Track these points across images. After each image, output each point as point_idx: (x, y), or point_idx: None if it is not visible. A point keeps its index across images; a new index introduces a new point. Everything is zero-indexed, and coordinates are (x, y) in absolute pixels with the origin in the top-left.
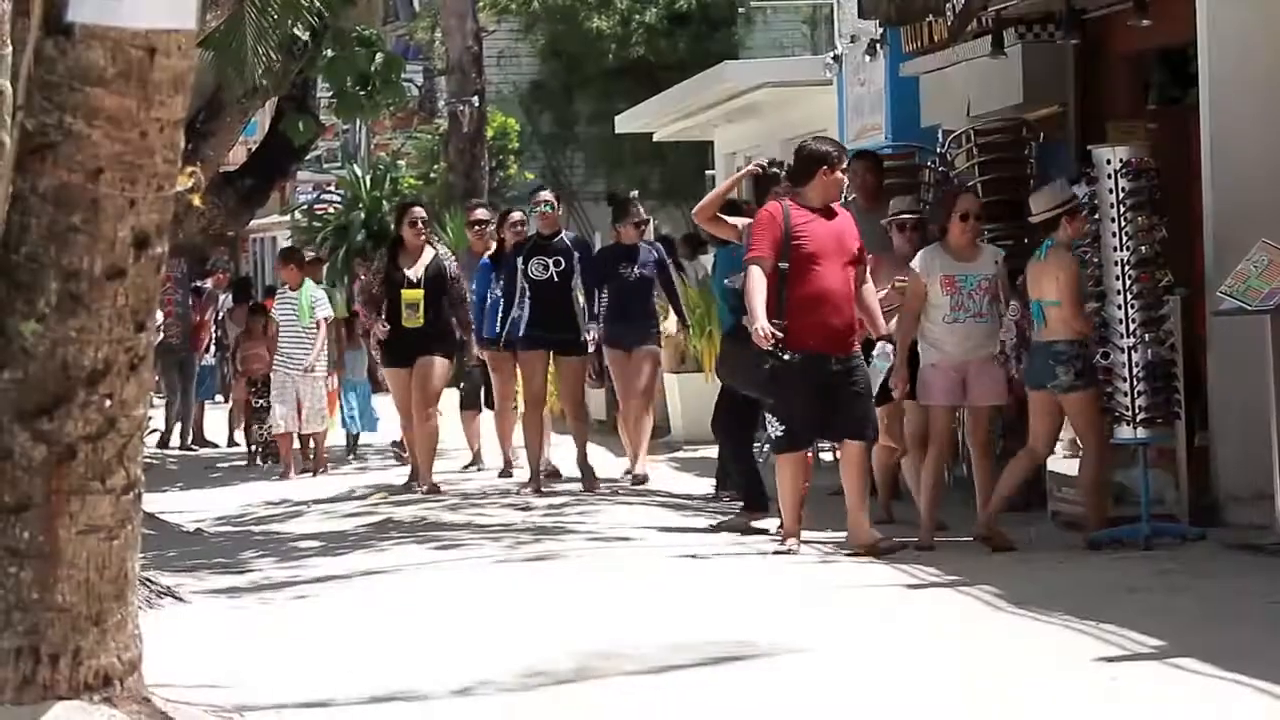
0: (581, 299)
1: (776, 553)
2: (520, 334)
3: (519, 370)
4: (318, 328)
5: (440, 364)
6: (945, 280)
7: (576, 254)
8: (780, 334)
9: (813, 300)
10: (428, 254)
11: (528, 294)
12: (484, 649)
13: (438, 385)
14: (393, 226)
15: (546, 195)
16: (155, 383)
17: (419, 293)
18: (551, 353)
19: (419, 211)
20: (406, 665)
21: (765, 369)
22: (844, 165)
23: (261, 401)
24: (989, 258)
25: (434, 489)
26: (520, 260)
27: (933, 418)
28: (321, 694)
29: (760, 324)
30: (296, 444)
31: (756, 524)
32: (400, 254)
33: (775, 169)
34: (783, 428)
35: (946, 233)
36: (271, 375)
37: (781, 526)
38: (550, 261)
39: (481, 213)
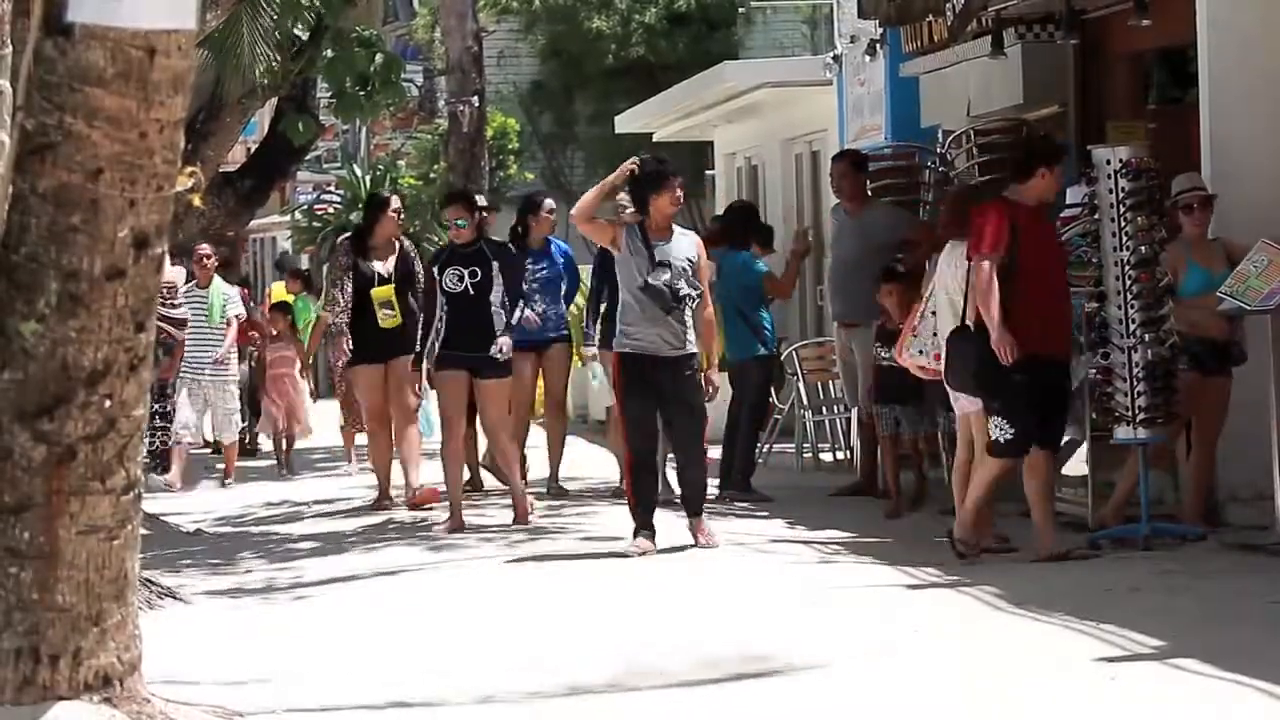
0: (503, 313)
1: (1035, 561)
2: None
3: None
4: (228, 327)
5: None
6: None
7: (496, 263)
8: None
9: (1042, 301)
10: (394, 247)
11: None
12: (482, 651)
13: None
14: (363, 219)
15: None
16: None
17: (390, 289)
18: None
19: (398, 203)
20: (407, 668)
21: (1013, 376)
22: (1062, 165)
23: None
24: None
25: (427, 496)
26: (435, 271)
27: (963, 425)
28: (323, 695)
29: (1002, 335)
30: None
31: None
32: (370, 249)
33: (658, 165)
34: (1013, 431)
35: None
36: (177, 380)
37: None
38: (466, 272)
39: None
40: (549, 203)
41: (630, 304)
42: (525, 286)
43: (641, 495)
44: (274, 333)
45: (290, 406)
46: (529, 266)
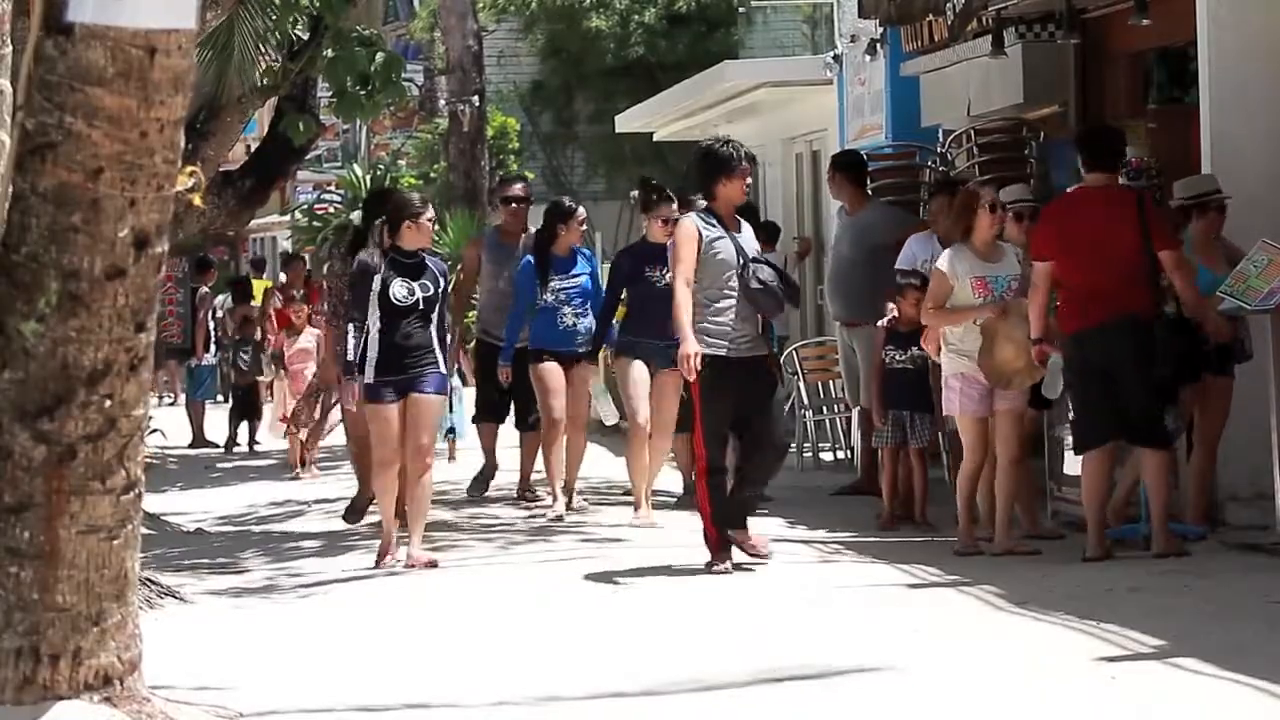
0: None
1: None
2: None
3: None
4: None
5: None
6: (977, 282)
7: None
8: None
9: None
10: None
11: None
12: (486, 652)
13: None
14: (362, 219)
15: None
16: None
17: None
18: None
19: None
20: (408, 668)
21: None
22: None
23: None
24: (1011, 255)
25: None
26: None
27: (968, 431)
28: (323, 695)
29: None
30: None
31: None
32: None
33: (728, 148)
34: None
35: (968, 233)
36: None
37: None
38: (417, 285)
39: (519, 189)
40: (581, 211)
41: (718, 304)
42: (551, 297)
43: (719, 508)
44: (303, 317)
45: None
46: (555, 277)
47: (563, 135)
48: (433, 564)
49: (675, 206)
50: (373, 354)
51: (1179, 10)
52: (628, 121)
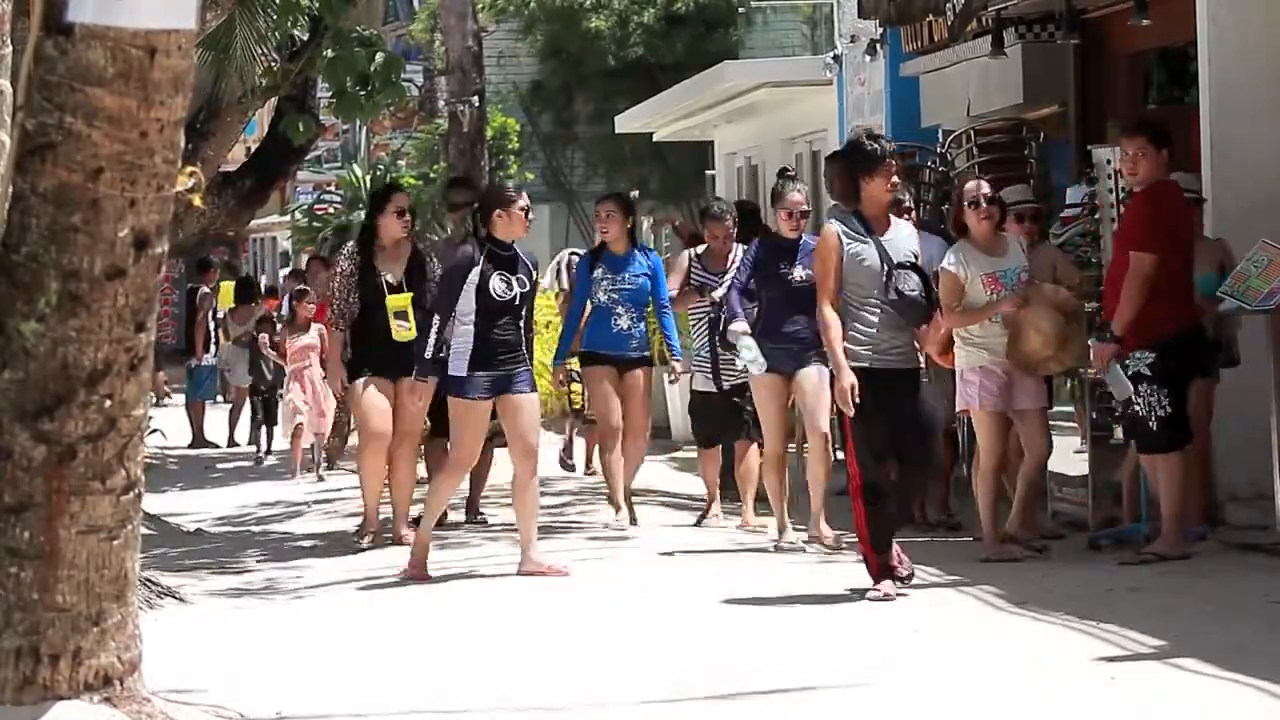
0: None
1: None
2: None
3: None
4: None
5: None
6: (988, 279)
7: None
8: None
9: None
10: (406, 249)
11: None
12: (485, 653)
13: (423, 412)
14: (365, 216)
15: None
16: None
17: (407, 298)
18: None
19: (404, 199)
20: (408, 669)
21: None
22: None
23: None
24: (1015, 246)
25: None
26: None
27: (986, 426)
28: (323, 695)
29: None
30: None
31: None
32: (377, 252)
33: (870, 143)
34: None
35: (965, 230)
36: None
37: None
38: (514, 280)
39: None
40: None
41: (862, 312)
42: (605, 298)
43: (877, 530)
44: (308, 312)
45: (316, 401)
46: (608, 276)
47: (562, 135)
48: (563, 572)
49: (802, 198)
50: (465, 348)
51: (1179, 10)
52: (627, 122)
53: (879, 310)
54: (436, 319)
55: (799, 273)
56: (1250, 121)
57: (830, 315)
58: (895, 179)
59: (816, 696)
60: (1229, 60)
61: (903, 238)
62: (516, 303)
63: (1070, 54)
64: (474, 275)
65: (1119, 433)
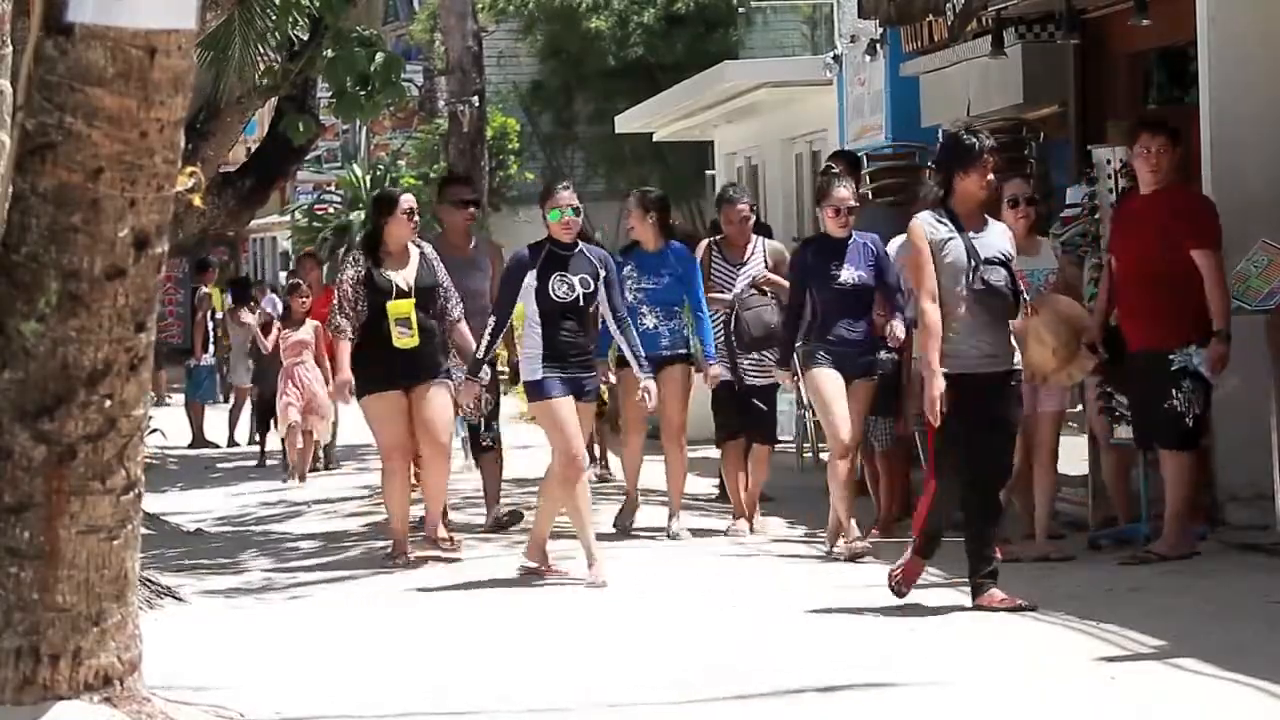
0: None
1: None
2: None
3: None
4: None
5: (449, 390)
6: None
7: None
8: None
9: None
10: (414, 253)
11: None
12: (483, 654)
13: (449, 415)
14: (370, 220)
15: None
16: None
17: (410, 304)
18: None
19: (412, 200)
20: (408, 669)
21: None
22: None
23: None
24: (1047, 248)
25: (443, 542)
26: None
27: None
28: (322, 696)
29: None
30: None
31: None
32: (384, 257)
33: (967, 138)
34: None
35: None
36: None
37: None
38: (576, 281)
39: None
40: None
41: (958, 312)
42: (631, 297)
43: (932, 527)
44: (303, 307)
45: (310, 399)
46: (634, 275)
47: (562, 135)
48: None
49: (849, 194)
50: (535, 351)
51: (1179, 10)
52: (627, 122)
53: (965, 310)
54: (492, 319)
55: (846, 274)
56: (1250, 122)
57: (931, 314)
58: (991, 176)
59: (816, 696)
60: (1229, 60)
61: (995, 235)
62: (581, 304)
63: (1070, 54)
64: (529, 279)
65: (1120, 432)
